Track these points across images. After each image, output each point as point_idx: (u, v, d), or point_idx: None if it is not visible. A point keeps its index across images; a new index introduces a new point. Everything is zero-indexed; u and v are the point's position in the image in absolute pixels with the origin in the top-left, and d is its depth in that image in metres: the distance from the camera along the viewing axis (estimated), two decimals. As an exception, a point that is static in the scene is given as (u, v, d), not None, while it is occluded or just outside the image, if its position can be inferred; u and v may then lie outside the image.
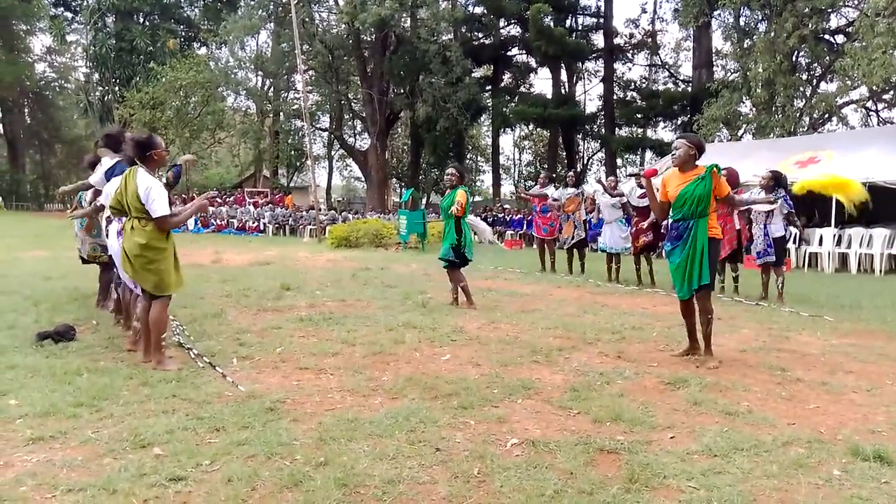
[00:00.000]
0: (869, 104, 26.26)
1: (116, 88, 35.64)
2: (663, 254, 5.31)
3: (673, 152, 5.20)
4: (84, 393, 4.03)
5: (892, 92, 24.77)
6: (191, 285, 8.37)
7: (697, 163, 5.16)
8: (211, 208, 27.79)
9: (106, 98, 36.26)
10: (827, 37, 23.41)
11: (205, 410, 3.80)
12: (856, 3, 21.27)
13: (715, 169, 5.07)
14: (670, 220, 5.24)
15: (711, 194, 5.02)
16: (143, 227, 4.69)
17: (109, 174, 5.56)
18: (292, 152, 38.14)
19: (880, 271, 13.52)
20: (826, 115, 22.39)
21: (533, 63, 35.21)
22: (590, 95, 40.19)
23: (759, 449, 3.34)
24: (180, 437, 3.39)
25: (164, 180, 5.37)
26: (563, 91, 33.91)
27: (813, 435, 3.57)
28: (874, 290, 10.22)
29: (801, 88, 22.39)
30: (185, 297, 7.48)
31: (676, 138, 5.29)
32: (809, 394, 4.41)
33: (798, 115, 21.63)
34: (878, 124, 25.79)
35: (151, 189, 4.63)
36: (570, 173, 12.67)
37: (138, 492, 2.80)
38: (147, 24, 37.94)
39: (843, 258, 14.49)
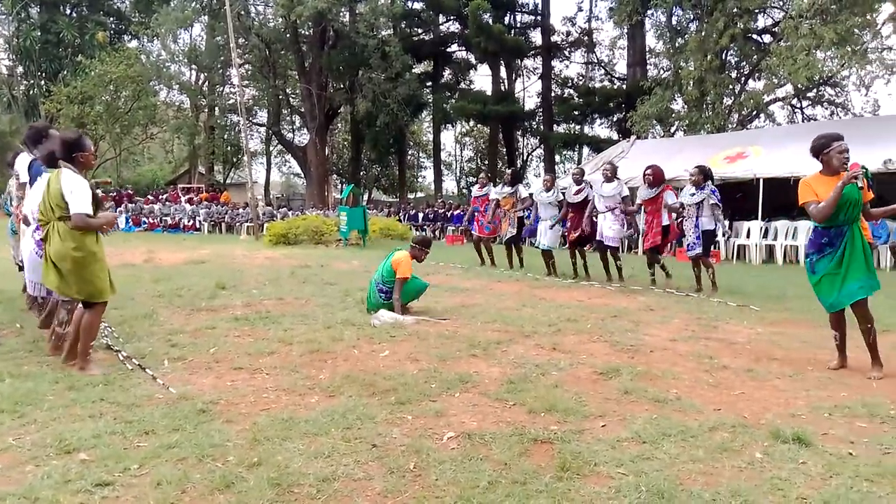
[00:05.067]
0: (794, 102, 27.36)
1: (42, 82, 34.10)
2: (811, 266, 4.93)
3: (846, 154, 4.76)
4: (6, 399, 3.87)
5: (815, 90, 25.91)
6: (121, 286, 8.09)
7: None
8: (144, 206, 27.04)
9: (31, 92, 34.63)
10: (755, 36, 24.25)
11: (133, 414, 3.71)
12: (782, 4, 22.11)
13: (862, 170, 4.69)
14: (818, 228, 4.85)
15: (863, 197, 4.71)
16: (72, 230, 4.51)
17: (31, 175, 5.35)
18: (228, 148, 37.29)
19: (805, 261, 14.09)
20: (754, 112, 23.27)
21: (472, 59, 35.36)
22: (528, 92, 40.66)
23: (686, 434, 3.45)
24: (107, 441, 3.29)
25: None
26: (502, 88, 34.20)
27: (737, 420, 3.71)
28: (799, 280, 10.57)
29: (731, 86, 23.14)
30: (115, 297, 7.15)
31: (837, 139, 4.82)
32: (735, 380, 4.57)
33: (727, 111, 22.37)
34: (803, 121, 26.88)
35: (76, 187, 4.47)
36: (508, 171, 12.81)
37: (62, 499, 2.71)
38: (74, 15, 36.33)
39: (770, 250, 15.07)
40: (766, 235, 14.99)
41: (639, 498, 2.74)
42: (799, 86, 21.12)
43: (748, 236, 15.15)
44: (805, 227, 14.28)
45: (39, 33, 33.60)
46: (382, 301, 6.85)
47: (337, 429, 3.50)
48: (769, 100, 23.20)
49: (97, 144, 31.56)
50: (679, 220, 9.17)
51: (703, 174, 8.93)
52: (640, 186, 9.79)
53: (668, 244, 9.65)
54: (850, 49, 17.53)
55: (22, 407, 3.78)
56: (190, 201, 28.03)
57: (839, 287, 4.75)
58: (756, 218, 15.04)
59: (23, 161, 5.66)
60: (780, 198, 14.89)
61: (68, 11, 36.28)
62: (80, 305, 4.70)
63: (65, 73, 33.21)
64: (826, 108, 27.89)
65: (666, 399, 4.06)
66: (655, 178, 9.26)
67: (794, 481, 2.91)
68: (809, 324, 6.73)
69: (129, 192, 30.42)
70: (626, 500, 2.73)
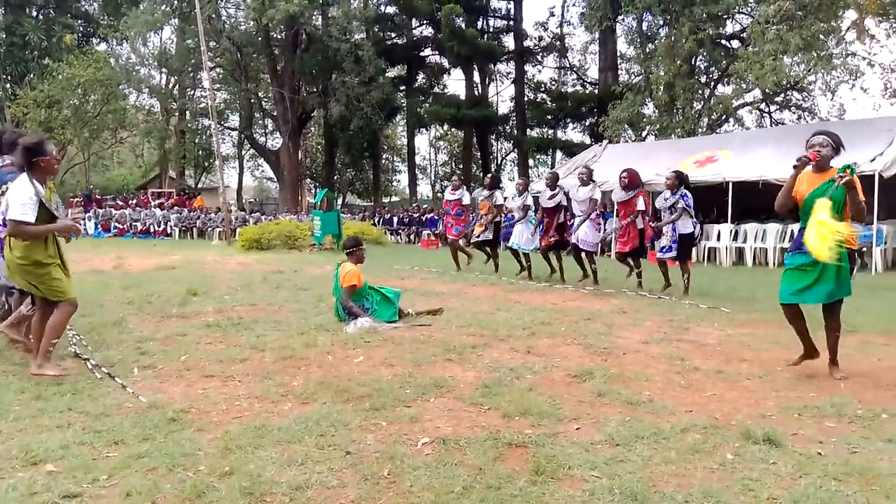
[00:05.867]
0: (762, 106, 27.80)
1: (8, 86, 33.41)
2: (787, 260, 4.81)
3: (818, 149, 4.57)
4: (-32, 410, 3.78)
5: (782, 95, 26.36)
6: (90, 292, 7.97)
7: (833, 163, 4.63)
8: (114, 211, 26.63)
9: (-4, 96, 33.98)
10: (723, 42, 24.61)
11: (102, 423, 3.64)
12: (749, 10, 22.46)
13: (848, 170, 4.39)
14: (803, 228, 4.60)
15: (846, 198, 4.42)
16: (17, 239, 4.45)
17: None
18: (200, 152, 36.83)
19: (774, 264, 14.32)
20: (723, 117, 23.58)
21: (446, 64, 35.39)
22: (502, 97, 40.64)
23: (658, 436, 3.48)
24: (76, 451, 3.23)
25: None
26: (476, 92, 34.27)
27: (709, 421, 3.75)
28: (768, 281, 10.76)
29: (700, 91, 23.45)
30: (83, 304, 7.07)
31: (816, 133, 4.69)
32: (706, 382, 4.62)
33: (697, 116, 22.65)
34: (771, 125, 27.31)
35: (12, 191, 4.41)
36: (487, 177, 12.87)
37: (28, 512, 2.65)
38: (41, 17, 35.64)
39: (740, 252, 15.29)
40: (735, 238, 15.21)
41: (612, 500, 2.76)
42: (766, 90, 21.45)
43: (718, 239, 15.37)
44: (774, 230, 14.54)
45: (4, 35, 32.89)
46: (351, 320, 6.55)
47: (310, 436, 3.47)
48: (738, 104, 23.52)
49: (65, 149, 31.04)
50: (655, 222, 9.22)
51: (679, 179, 9.02)
52: (614, 189, 9.87)
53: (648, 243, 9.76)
54: (815, 54, 17.87)
55: (-14, 418, 3.70)
56: (161, 206, 27.66)
57: (807, 285, 4.58)
58: (726, 221, 15.27)
59: None
60: (749, 201, 15.15)
61: (34, 13, 35.58)
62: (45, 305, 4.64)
63: (31, 76, 32.56)
64: (793, 113, 28.35)
65: (638, 401, 4.09)
66: (631, 181, 9.35)
67: (764, 481, 2.95)
68: (779, 324, 6.78)
69: (98, 196, 29.94)
70: (600, 503, 2.75)
